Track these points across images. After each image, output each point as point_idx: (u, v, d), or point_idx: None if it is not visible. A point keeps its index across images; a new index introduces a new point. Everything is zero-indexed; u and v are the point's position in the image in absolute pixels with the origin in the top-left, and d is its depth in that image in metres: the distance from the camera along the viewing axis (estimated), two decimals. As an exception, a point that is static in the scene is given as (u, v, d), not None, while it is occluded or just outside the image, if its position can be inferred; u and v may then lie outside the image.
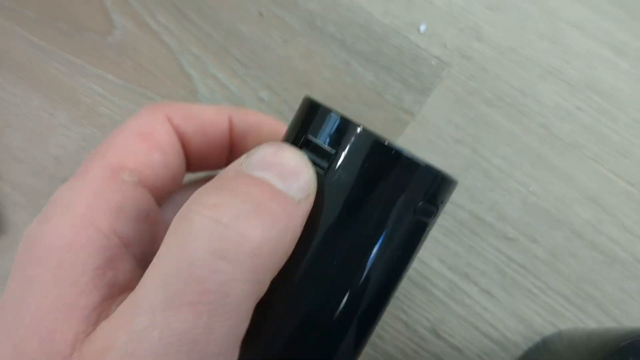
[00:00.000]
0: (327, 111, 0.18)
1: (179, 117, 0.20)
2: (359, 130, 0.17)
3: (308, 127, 0.18)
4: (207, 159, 0.22)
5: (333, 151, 0.17)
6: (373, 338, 0.33)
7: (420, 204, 0.18)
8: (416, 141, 0.36)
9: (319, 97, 0.36)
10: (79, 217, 0.16)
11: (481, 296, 0.34)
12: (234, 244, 0.13)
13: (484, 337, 0.33)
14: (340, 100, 0.36)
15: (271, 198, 0.15)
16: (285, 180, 0.15)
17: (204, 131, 0.21)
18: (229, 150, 0.22)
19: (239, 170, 0.15)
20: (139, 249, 0.17)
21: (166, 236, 0.14)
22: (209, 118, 0.21)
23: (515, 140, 0.36)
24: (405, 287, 0.34)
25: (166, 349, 0.13)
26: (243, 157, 0.16)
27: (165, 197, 0.20)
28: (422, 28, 0.38)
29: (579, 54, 0.37)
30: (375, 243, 0.17)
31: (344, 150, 0.17)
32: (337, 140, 0.17)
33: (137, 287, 0.14)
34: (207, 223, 0.13)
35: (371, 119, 0.36)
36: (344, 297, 0.17)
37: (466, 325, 0.33)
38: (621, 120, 0.36)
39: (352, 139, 0.17)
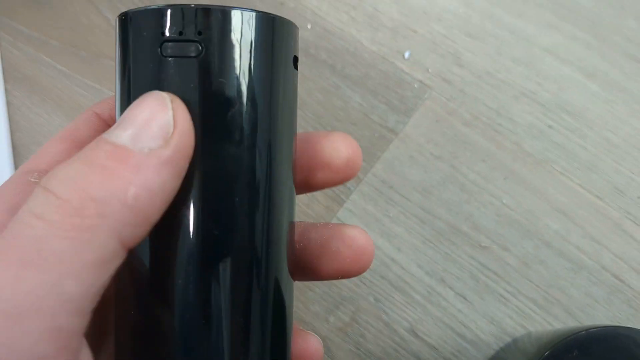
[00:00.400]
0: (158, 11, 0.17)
1: (108, 108, 0.20)
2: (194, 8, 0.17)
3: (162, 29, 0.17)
4: None
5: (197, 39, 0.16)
6: (356, 337, 0.36)
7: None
8: (399, 157, 0.39)
9: (311, 117, 0.40)
10: None
11: (456, 299, 0.37)
12: (53, 205, 0.14)
13: (459, 337, 0.36)
14: (329, 119, 0.40)
15: (106, 156, 0.14)
16: (131, 132, 0.15)
17: None
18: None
19: (99, 138, 0.15)
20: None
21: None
22: None
23: (490, 157, 0.39)
24: (386, 291, 0.37)
25: None
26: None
27: None
28: (407, 54, 0.41)
29: (552, 77, 0.40)
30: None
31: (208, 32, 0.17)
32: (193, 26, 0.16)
33: None
34: (38, 190, 0.14)
35: (358, 136, 0.40)
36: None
37: (442, 326, 0.36)
38: (590, 137, 0.39)
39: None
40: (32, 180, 0.18)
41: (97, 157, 0.14)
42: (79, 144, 0.19)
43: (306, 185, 0.22)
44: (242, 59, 0.17)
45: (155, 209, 0.15)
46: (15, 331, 0.13)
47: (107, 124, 0.20)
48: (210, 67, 0.17)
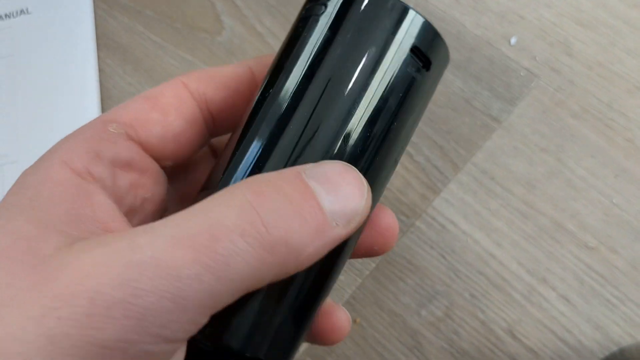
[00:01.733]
0: None
1: (195, 80, 0.20)
2: None
3: None
4: (238, 116, 0.21)
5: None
6: (449, 334, 0.34)
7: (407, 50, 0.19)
8: (502, 147, 0.37)
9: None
10: (58, 159, 0.17)
11: (558, 301, 0.34)
12: (257, 232, 0.14)
13: (560, 341, 0.34)
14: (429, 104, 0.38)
15: (310, 212, 0.15)
16: (333, 201, 0.16)
17: (225, 86, 0.21)
18: None
19: (297, 173, 0.16)
20: (116, 192, 0.18)
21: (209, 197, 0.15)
22: (227, 73, 0.21)
23: (600, 153, 0.37)
24: (483, 287, 0.35)
25: (139, 274, 0.13)
26: (311, 164, 0.17)
27: (171, 157, 0.20)
28: (513, 40, 0.39)
29: (670, 72, 0.38)
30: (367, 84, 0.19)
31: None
32: None
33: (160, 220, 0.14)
34: (245, 204, 0.14)
35: (458, 123, 0.38)
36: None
37: (542, 329, 0.34)
38: None
39: None
40: (112, 130, 0.18)
41: (303, 208, 0.15)
42: (161, 108, 0.20)
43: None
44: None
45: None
46: (91, 322, 0.12)
47: (193, 95, 0.21)
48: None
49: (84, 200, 0.16)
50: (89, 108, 0.40)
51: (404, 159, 0.37)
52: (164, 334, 0.13)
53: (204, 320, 0.14)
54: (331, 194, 0.16)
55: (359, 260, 0.36)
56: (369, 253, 0.23)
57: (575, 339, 0.34)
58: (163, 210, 0.21)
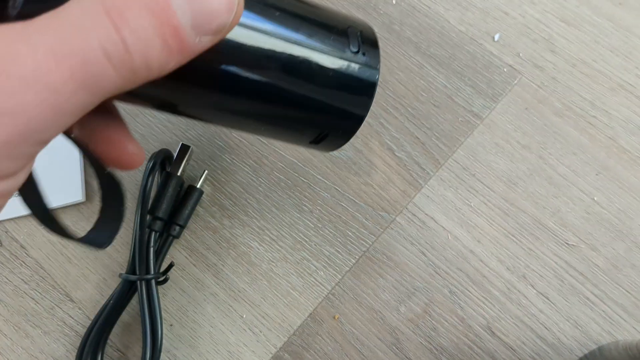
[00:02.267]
0: None
1: None
2: None
3: None
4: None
5: None
6: (428, 330, 0.34)
7: None
8: (483, 144, 0.37)
9: (392, 97, 0.38)
10: None
11: (538, 299, 0.34)
12: (123, 58, 0.15)
13: (539, 339, 0.34)
14: (411, 100, 0.38)
15: (171, 32, 0.15)
16: (197, 17, 0.15)
17: None
18: None
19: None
20: None
21: (74, 0, 0.15)
22: None
23: (582, 150, 0.36)
24: (462, 284, 0.35)
25: (24, 86, 0.14)
26: None
27: None
28: (497, 37, 0.39)
29: (653, 70, 0.37)
30: None
31: None
32: None
33: (30, 21, 0.14)
34: (108, 26, 0.14)
35: (440, 119, 0.38)
36: None
37: (521, 326, 0.34)
38: (692, 138, 0.36)
39: None
40: None
41: (164, 30, 0.15)
42: None
43: None
44: None
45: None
46: None
47: None
48: None
49: None
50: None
51: (385, 155, 0.37)
52: (42, 138, 0.15)
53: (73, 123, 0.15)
54: (192, 8, 0.15)
55: (339, 256, 0.35)
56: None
57: (554, 337, 0.34)
58: None
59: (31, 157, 0.16)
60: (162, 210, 0.34)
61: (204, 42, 0.16)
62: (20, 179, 0.16)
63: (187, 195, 0.35)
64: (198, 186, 0.36)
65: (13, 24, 0.14)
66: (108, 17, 0.14)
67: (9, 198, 0.16)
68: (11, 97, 0.13)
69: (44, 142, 0.15)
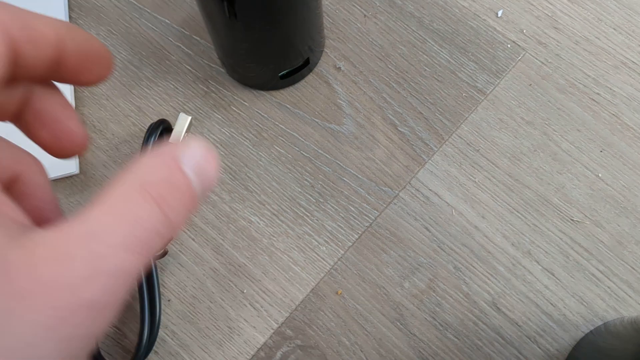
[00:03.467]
0: None
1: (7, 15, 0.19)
2: None
3: None
4: (33, 68, 0.20)
5: None
6: (432, 306, 0.33)
7: None
8: (487, 119, 0.36)
9: (394, 72, 0.37)
10: None
11: (543, 274, 0.34)
12: (168, 232, 0.17)
13: (544, 315, 0.33)
14: (414, 74, 0.37)
15: (191, 202, 0.19)
16: (202, 186, 0.19)
17: (31, 39, 0.19)
18: (56, 63, 0.20)
19: (177, 164, 0.18)
20: None
21: (120, 190, 0.17)
22: (39, 28, 0.19)
23: (586, 127, 0.36)
24: (467, 259, 0.34)
25: (116, 275, 0.16)
26: (180, 147, 0.19)
27: None
28: (500, 12, 0.38)
29: (655, 49, 0.37)
30: None
31: None
32: None
33: (87, 217, 0.16)
34: (158, 213, 0.17)
35: (444, 95, 0.37)
36: None
37: (527, 302, 0.33)
38: (695, 115, 0.36)
39: None
40: None
41: (188, 202, 0.18)
42: None
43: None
44: None
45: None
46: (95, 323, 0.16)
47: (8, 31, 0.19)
48: None
49: None
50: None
51: (388, 129, 0.36)
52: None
53: None
54: (201, 181, 0.19)
55: (341, 231, 0.35)
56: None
57: (559, 313, 0.33)
58: None
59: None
60: None
61: (202, 198, 0.19)
62: None
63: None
64: None
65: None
66: (157, 204, 0.17)
67: None
68: (111, 292, 0.16)
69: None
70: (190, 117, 0.33)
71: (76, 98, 0.38)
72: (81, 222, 0.16)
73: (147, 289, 0.31)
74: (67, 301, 0.15)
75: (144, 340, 0.31)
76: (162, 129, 0.33)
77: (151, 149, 0.20)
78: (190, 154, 0.19)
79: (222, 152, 0.36)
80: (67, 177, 0.36)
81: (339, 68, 0.38)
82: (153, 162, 0.18)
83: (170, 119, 0.35)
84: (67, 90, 0.37)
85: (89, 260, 0.16)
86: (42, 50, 0.20)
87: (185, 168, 0.19)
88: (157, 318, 0.31)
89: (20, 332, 0.14)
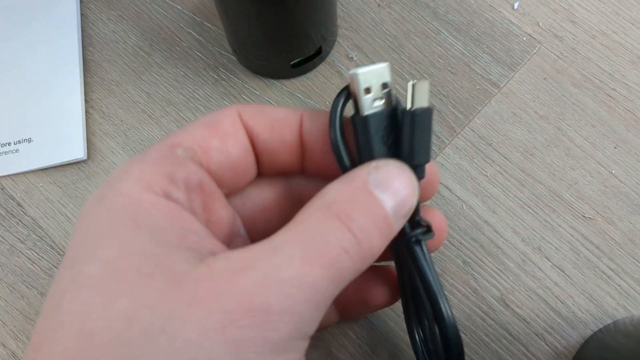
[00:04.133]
0: None
1: (249, 113, 0.21)
2: None
3: None
4: (278, 159, 0.22)
5: None
6: (440, 300, 0.33)
7: None
8: (500, 113, 0.36)
9: (407, 62, 0.37)
10: (136, 182, 0.18)
11: (553, 271, 0.33)
12: (356, 250, 0.18)
13: (553, 312, 0.33)
14: (427, 66, 0.37)
15: (382, 222, 0.19)
16: (395, 207, 0.19)
17: (272, 126, 0.22)
18: (300, 151, 0.22)
19: (365, 185, 0.19)
20: (194, 214, 0.19)
21: (306, 212, 0.18)
22: (278, 116, 0.22)
23: (601, 122, 0.36)
24: (476, 254, 0.34)
25: (293, 288, 0.16)
26: (371, 167, 0.19)
27: (226, 185, 0.22)
28: (516, 5, 0.38)
29: (673, 44, 0.37)
30: None
31: None
32: None
33: (272, 237, 0.17)
34: (342, 228, 0.17)
35: (457, 87, 0.36)
36: None
37: (535, 299, 0.33)
38: None
39: None
40: (180, 153, 0.19)
41: (378, 221, 0.18)
42: (220, 135, 0.21)
43: None
44: None
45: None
46: (268, 327, 0.16)
47: (247, 124, 0.21)
48: None
49: (182, 221, 0.18)
50: (69, 55, 0.38)
51: (399, 121, 0.36)
52: (308, 332, 0.17)
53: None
54: (393, 200, 0.19)
55: (350, 222, 0.34)
56: None
57: (568, 310, 0.33)
58: (230, 233, 0.22)
59: (302, 351, 0.18)
60: None
61: (400, 223, 0.20)
62: None
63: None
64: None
65: (260, 244, 0.17)
66: (340, 220, 0.17)
67: None
68: (286, 299, 0.16)
69: (309, 335, 0.17)
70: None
71: (85, 83, 0.37)
72: (266, 241, 0.17)
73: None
74: (238, 305, 0.15)
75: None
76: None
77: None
78: (380, 176, 0.19)
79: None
80: (74, 163, 0.36)
81: (352, 58, 0.37)
82: (339, 186, 0.19)
83: (178, 107, 0.34)
84: (75, 73, 0.37)
85: (264, 269, 0.16)
86: (281, 134, 0.22)
87: (373, 188, 0.19)
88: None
89: (191, 335, 0.15)
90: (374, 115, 0.20)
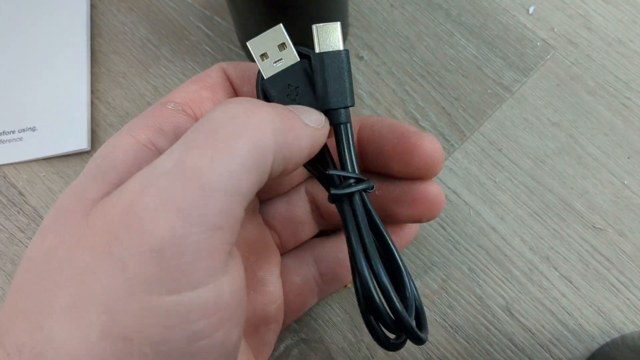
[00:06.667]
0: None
1: (231, 68, 0.24)
2: None
3: None
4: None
5: None
6: (443, 307, 0.32)
7: None
8: (511, 118, 0.35)
9: (419, 64, 0.36)
10: (125, 132, 0.20)
11: (560, 282, 0.33)
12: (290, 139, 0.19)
13: (559, 323, 0.32)
14: (438, 68, 0.36)
15: (301, 126, 0.20)
16: (309, 120, 0.21)
17: (249, 79, 0.24)
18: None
19: (297, 117, 0.20)
20: None
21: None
22: (255, 69, 0.24)
23: (614, 132, 0.35)
24: (482, 261, 0.33)
25: (176, 175, 0.16)
26: (303, 111, 0.21)
27: None
28: (531, 10, 0.37)
29: (692, 55, 0.36)
30: None
31: None
32: None
33: None
34: (271, 112, 0.19)
35: (468, 90, 0.36)
36: None
37: (542, 309, 0.32)
38: None
39: None
40: (170, 107, 0.21)
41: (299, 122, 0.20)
42: (208, 87, 0.23)
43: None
44: None
45: None
46: (208, 203, 0.16)
47: (230, 77, 0.24)
48: None
49: (140, 164, 0.19)
50: (77, 45, 0.37)
51: (409, 122, 0.35)
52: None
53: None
54: (308, 119, 0.20)
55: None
56: (416, 220, 0.27)
57: (575, 323, 0.32)
58: None
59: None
60: None
61: (312, 129, 0.21)
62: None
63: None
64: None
65: None
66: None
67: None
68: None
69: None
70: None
71: (92, 74, 0.37)
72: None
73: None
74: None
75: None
76: None
77: None
78: (304, 112, 0.21)
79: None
80: (77, 154, 0.35)
81: (362, 57, 0.37)
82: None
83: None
84: (82, 63, 0.37)
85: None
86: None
87: (300, 117, 0.20)
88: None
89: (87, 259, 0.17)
90: (274, 76, 0.22)
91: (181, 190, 0.16)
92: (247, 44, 0.22)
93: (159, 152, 0.19)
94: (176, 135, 0.20)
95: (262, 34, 0.22)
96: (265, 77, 0.22)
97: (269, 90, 0.22)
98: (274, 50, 0.22)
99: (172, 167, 0.16)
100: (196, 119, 0.21)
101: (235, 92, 0.24)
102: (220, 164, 0.16)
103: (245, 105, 0.18)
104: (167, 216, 0.15)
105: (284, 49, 0.22)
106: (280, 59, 0.22)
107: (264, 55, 0.22)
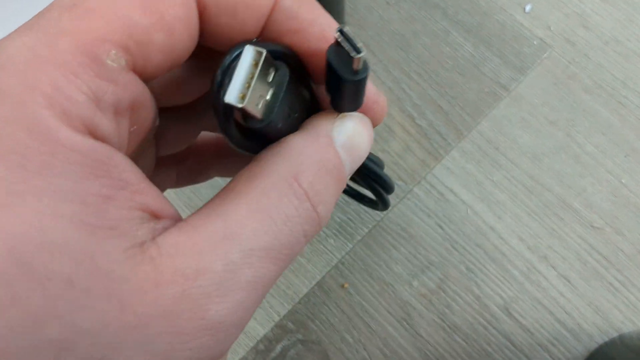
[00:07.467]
0: None
1: None
2: None
3: None
4: (226, 39, 0.15)
5: None
6: (441, 307, 0.32)
7: None
8: (509, 117, 0.35)
9: (415, 62, 0.36)
10: (47, 108, 0.11)
11: (558, 281, 0.32)
12: (315, 226, 0.15)
13: (558, 323, 0.32)
14: (435, 66, 0.36)
15: (341, 185, 0.16)
16: (352, 164, 0.17)
17: (234, 13, 0.15)
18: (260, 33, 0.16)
19: (330, 142, 0.16)
20: (119, 143, 0.14)
21: (269, 180, 0.14)
22: None
23: (612, 130, 0.35)
24: (480, 261, 0.33)
25: (252, 287, 0.13)
26: (337, 121, 0.16)
27: (165, 99, 0.17)
28: (528, 8, 0.37)
29: (688, 54, 0.36)
30: None
31: None
32: None
33: (225, 212, 0.14)
34: (309, 210, 0.15)
35: (465, 89, 0.36)
36: None
37: (540, 309, 0.32)
38: None
39: None
40: (111, 63, 0.12)
41: (338, 186, 0.16)
42: (166, 25, 0.13)
43: None
44: None
45: None
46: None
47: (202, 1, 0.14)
48: None
49: (113, 177, 0.12)
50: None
51: (405, 122, 0.35)
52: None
53: None
54: (351, 159, 0.16)
55: (351, 224, 0.33)
56: None
57: (574, 322, 0.32)
58: (147, 141, 0.16)
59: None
60: None
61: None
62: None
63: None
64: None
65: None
66: (308, 201, 0.15)
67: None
68: (237, 309, 0.14)
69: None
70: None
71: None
72: (218, 219, 0.13)
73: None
74: (189, 325, 0.12)
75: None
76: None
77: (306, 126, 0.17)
78: (345, 128, 0.16)
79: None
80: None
81: (358, 55, 0.37)
82: (306, 144, 0.15)
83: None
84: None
85: (223, 273, 0.13)
86: (243, 21, 0.15)
87: (337, 146, 0.16)
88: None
89: None
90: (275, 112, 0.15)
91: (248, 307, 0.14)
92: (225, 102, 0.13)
93: (105, 141, 0.13)
94: (116, 113, 0.13)
95: (232, 83, 0.13)
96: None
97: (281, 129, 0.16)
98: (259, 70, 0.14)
99: (249, 282, 0.14)
100: (144, 80, 0.14)
101: (201, 18, 0.14)
102: None
103: None
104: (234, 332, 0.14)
105: (270, 66, 0.15)
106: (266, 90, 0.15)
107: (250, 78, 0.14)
